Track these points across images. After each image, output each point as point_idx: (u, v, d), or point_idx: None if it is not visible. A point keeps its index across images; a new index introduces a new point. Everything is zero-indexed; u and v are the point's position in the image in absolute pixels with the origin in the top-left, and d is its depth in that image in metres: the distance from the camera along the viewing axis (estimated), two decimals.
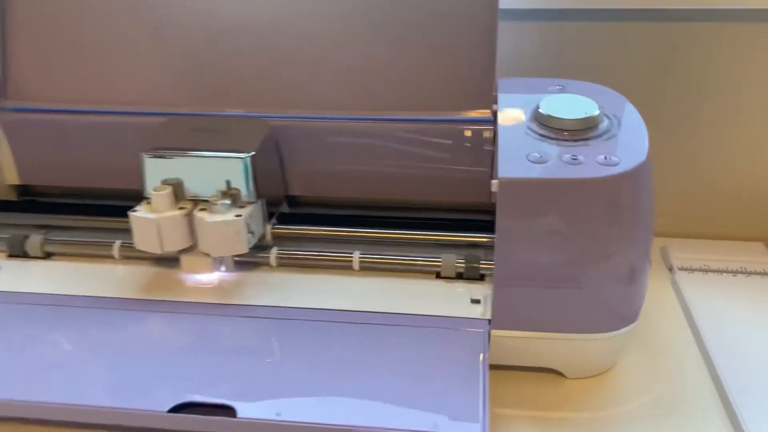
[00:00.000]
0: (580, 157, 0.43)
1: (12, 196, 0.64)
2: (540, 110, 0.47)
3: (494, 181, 0.43)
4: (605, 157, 0.43)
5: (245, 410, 0.39)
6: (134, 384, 0.42)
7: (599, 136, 0.46)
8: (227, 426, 0.39)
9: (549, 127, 0.46)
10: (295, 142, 0.57)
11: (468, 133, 0.55)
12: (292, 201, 0.60)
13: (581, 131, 0.46)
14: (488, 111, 0.54)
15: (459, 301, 0.49)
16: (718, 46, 0.61)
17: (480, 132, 0.55)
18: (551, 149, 0.44)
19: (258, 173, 0.52)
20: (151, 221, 0.50)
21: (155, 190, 0.51)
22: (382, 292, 0.51)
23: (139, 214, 0.50)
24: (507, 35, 0.62)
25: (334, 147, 0.57)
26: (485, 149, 0.55)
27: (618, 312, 0.45)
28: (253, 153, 0.51)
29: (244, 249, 0.51)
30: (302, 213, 0.59)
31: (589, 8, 0.60)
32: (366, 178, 0.58)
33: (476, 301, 0.49)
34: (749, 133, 0.63)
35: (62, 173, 0.62)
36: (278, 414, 0.39)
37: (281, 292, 0.51)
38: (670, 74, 0.62)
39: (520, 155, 0.44)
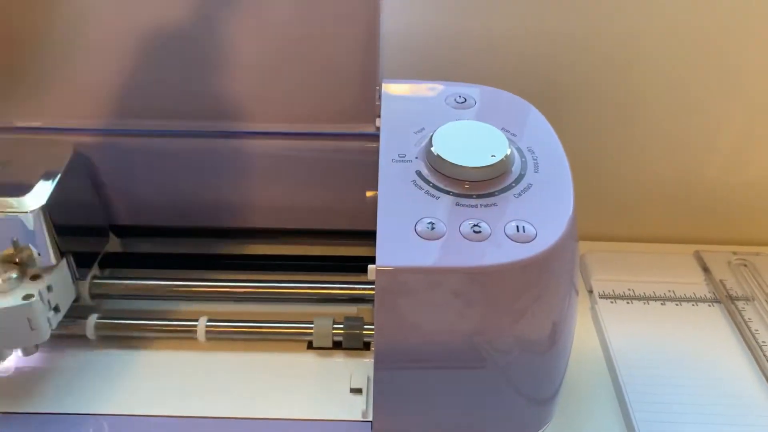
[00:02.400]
0: (485, 227, 0.32)
1: None
2: (433, 149, 0.35)
3: (371, 267, 0.31)
4: (518, 227, 0.32)
5: None
6: None
7: (510, 188, 0.34)
8: None
9: (445, 175, 0.34)
10: (117, 160, 0.43)
11: (354, 150, 0.43)
12: (122, 231, 0.46)
13: (487, 182, 0.34)
14: (372, 125, 0.42)
15: (336, 388, 0.38)
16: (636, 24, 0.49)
17: (361, 150, 0.43)
18: (447, 213, 0.33)
19: (59, 222, 0.38)
20: None
21: None
22: (235, 378, 0.39)
23: None
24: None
25: (172, 165, 0.44)
26: (370, 168, 0.43)
27: (533, 413, 0.36)
28: (44, 204, 0.37)
29: (41, 338, 0.37)
30: (135, 253, 0.46)
31: None
32: (217, 203, 0.45)
33: (357, 391, 0.38)
34: (679, 130, 0.54)
35: None
36: None
37: (97, 388, 0.38)
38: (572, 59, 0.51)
39: (405, 224, 0.32)
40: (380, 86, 0.41)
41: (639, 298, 0.50)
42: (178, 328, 0.41)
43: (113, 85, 0.42)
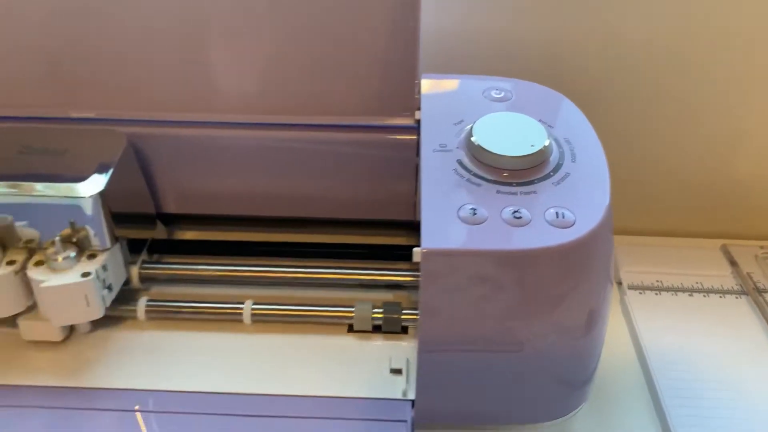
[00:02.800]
0: (525, 213, 0.33)
1: None
2: (474, 140, 0.36)
3: (417, 250, 0.33)
4: (557, 214, 0.33)
5: None
6: None
7: (548, 176, 0.35)
8: None
9: (485, 164, 0.36)
10: (166, 150, 0.45)
11: (386, 144, 0.44)
12: (168, 219, 0.48)
13: (526, 171, 0.35)
14: (411, 118, 0.44)
15: (376, 369, 0.40)
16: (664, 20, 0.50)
17: (401, 143, 0.44)
18: (488, 199, 0.34)
19: (114, 209, 0.40)
20: None
21: None
22: (278, 359, 0.41)
23: None
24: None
25: (218, 156, 0.45)
26: (409, 162, 0.44)
27: (568, 394, 0.37)
28: (101, 190, 0.39)
29: (96, 314, 0.39)
30: (181, 240, 0.47)
31: None
32: (267, 193, 0.47)
33: (397, 371, 0.40)
34: (707, 126, 0.55)
35: None
36: None
37: (148, 365, 0.40)
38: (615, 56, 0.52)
39: (448, 210, 0.34)
40: (419, 80, 0.43)
41: (667, 290, 0.51)
42: (225, 311, 0.42)
43: (164, 78, 0.44)
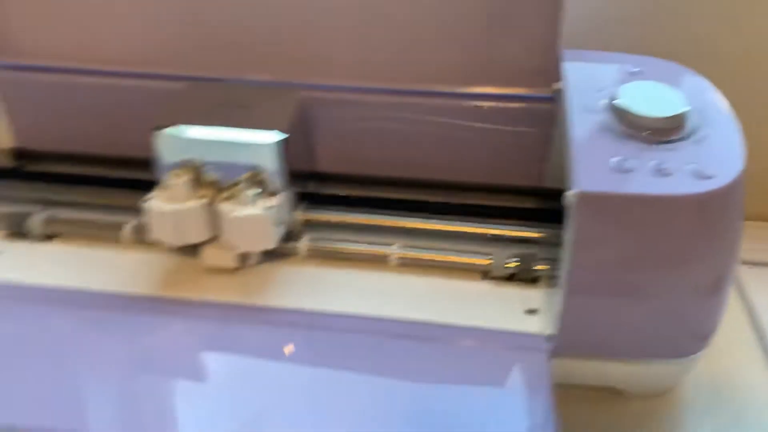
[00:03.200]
0: (668, 166, 0.37)
1: (7, 161, 0.58)
2: (618, 102, 0.41)
3: (569, 193, 0.37)
4: (697, 168, 0.37)
5: None
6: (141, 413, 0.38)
7: (687, 137, 0.39)
8: None
9: (630, 124, 0.40)
10: (329, 114, 0.51)
11: (521, 113, 0.49)
12: (320, 178, 0.54)
13: (668, 131, 0.40)
14: (548, 88, 0.48)
15: (511, 309, 0.44)
16: None
17: (536, 112, 0.49)
18: (633, 154, 0.38)
19: (289, 157, 0.46)
20: (168, 213, 0.44)
21: (173, 175, 0.45)
22: (423, 294, 0.46)
23: (155, 203, 0.45)
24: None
25: (373, 121, 0.51)
26: (541, 132, 0.49)
27: (693, 337, 0.41)
28: (285, 136, 0.45)
29: (272, 244, 0.45)
30: (334, 195, 0.53)
31: None
32: (406, 156, 0.52)
33: (532, 311, 0.44)
34: None
35: (63, 137, 0.55)
36: None
37: (310, 292, 0.46)
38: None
39: (599, 160, 0.38)
40: (560, 53, 0.47)
41: None
42: (374, 252, 0.48)
43: (332, 46, 0.50)
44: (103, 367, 0.41)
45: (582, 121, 0.41)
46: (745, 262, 0.54)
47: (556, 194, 0.50)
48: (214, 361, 0.42)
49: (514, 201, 0.53)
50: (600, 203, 0.36)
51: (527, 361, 0.40)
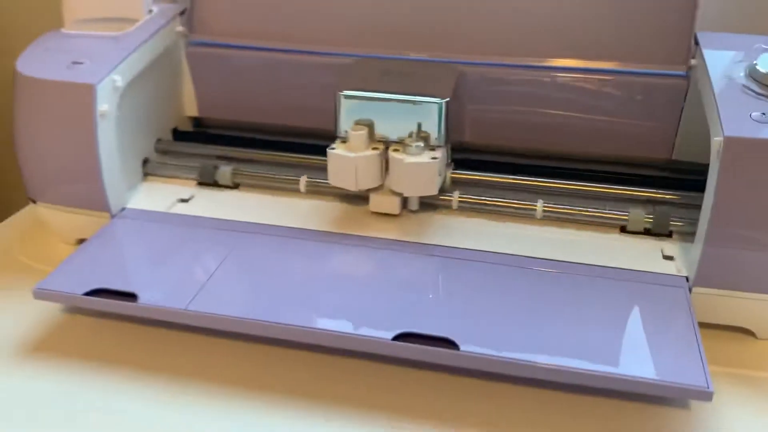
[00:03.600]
0: None
1: (188, 128, 0.67)
2: (758, 68, 0.46)
3: (717, 139, 0.43)
4: None
5: (465, 344, 0.41)
6: (346, 312, 0.44)
7: None
8: (448, 358, 0.41)
9: (767, 86, 0.45)
10: (476, 88, 0.58)
11: (656, 88, 0.55)
12: (461, 147, 0.61)
13: None
14: (683, 66, 0.54)
15: (649, 256, 0.50)
16: None
17: (671, 87, 0.54)
18: None
19: (448, 119, 0.53)
20: (350, 159, 0.52)
21: (353, 129, 0.52)
22: (568, 242, 0.52)
23: (338, 151, 0.52)
24: None
25: (517, 95, 0.58)
26: (674, 107, 0.55)
27: None
28: (448, 99, 0.52)
29: (434, 190, 0.52)
30: (475, 159, 0.60)
31: None
32: (544, 128, 0.58)
33: (669, 258, 0.49)
34: None
35: (240, 108, 0.64)
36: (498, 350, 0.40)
37: (462, 236, 0.52)
38: None
39: (741, 114, 0.43)
40: (694, 34, 0.53)
41: None
42: (522, 206, 0.54)
43: (482, 28, 0.57)
44: (293, 278, 0.48)
45: (724, 86, 0.46)
46: None
47: (686, 166, 0.56)
48: (376, 277, 0.48)
49: (648, 171, 0.58)
50: (745, 147, 0.42)
51: (670, 294, 0.45)
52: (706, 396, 0.38)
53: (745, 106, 0.44)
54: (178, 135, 0.65)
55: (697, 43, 0.53)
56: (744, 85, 0.46)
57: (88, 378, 0.44)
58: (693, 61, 0.53)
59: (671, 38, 0.54)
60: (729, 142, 0.42)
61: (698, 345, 0.41)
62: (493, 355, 0.40)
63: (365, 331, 0.42)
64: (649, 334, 0.42)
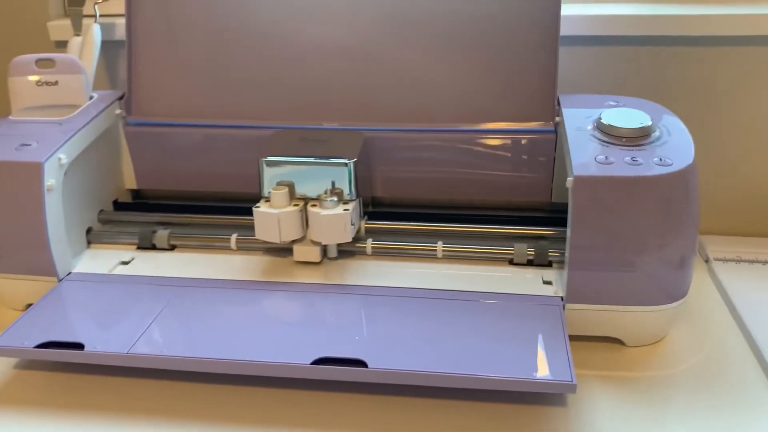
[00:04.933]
0: (639, 159, 0.52)
1: (128, 199, 0.74)
2: (602, 120, 0.57)
3: (569, 179, 0.52)
4: (660, 159, 0.52)
5: (373, 363, 0.48)
6: (269, 344, 0.51)
7: (653, 142, 0.55)
8: (358, 375, 0.48)
9: (610, 135, 0.56)
10: (380, 150, 0.67)
11: (532, 143, 0.65)
12: (374, 201, 0.69)
13: (638, 138, 0.55)
14: (551, 122, 0.64)
15: (532, 283, 0.58)
16: (743, 68, 0.70)
17: (543, 141, 0.64)
18: (614, 153, 0.54)
19: (356, 176, 0.61)
20: (273, 215, 0.59)
21: (274, 189, 0.60)
22: (465, 276, 0.60)
23: (262, 209, 0.60)
24: (563, 58, 0.71)
25: (414, 154, 0.67)
26: (547, 157, 0.65)
27: (671, 289, 0.54)
28: (355, 159, 0.61)
29: (348, 238, 0.60)
30: (385, 211, 0.68)
31: (635, 35, 0.70)
32: (440, 182, 0.67)
33: (548, 282, 0.58)
34: None
35: (174, 179, 0.71)
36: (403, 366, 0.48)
37: (376, 276, 0.60)
38: (706, 91, 0.71)
39: (588, 157, 0.53)
40: (557, 95, 0.64)
41: (746, 261, 0.67)
42: (424, 249, 0.62)
43: (383, 99, 0.66)
44: (225, 321, 0.54)
45: (576, 136, 0.57)
46: (717, 259, 0.68)
47: (564, 207, 0.66)
48: (299, 315, 0.55)
49: (533, 213, 0.68)
50: (591, 184, 0.51)
51: (547, 310, 0.54)
52: (571, 388, 0.46)
53: (592, 151, 0.54)
54: (119, 206, 0.72)
55: (559, 103, 0.63)
56: (592, 135, 0.56)
57: (43, 427, 0.49)
58: (558, 118, 0.63)
59: (539, 100, 0.64)
60: (577, 180, 0.52)
61: (566, 348, 0.49)
62: (396, 369, 0.47)
63: (287, 359, 0.49)
64: (527, 343, 0.50)
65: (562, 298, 0.55)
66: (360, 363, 0.48)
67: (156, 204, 0.72)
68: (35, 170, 0.57)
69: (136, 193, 0.75)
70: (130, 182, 0.73)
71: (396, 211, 0.68)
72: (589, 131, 0.57)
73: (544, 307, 0.55)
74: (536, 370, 0.47)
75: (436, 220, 0.66)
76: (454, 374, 0.47)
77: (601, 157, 0.53)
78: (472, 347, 0.50)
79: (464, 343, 0.50)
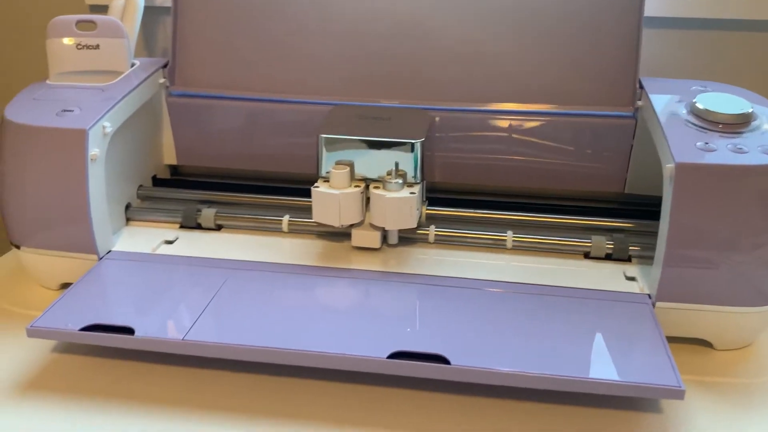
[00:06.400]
0: (743, 147, 0.48)
1: (166, 175, 0.69)
2: (697, 105, 0.52)
3: (669, 166, 0.48)
4: (764, 148, 0.48)
5: (456, 360, 0.44)
6: (339, 335, 0.46)
7: (753, 130, 0.50)
8: (441, 372, 0.43)
9: (706, 120, 0.51)
10: (442, 132, 0.62)
11: (609, 128, 0.60)
12: (432, 188, 0.64)
13: (737, 125, 0.51)
14: (630, 107, 0.60)
15: (613, 277, 0.54)
16: None
17: (622, 127, 0.60)
18: (714, 140, 0.49)
19: (423, 157, 0.57)
20: (333, 196, 0.55)
21: (335, 168, 0.56)
22: (538, 268, 0.55)
23: (322, 189, 0.55)
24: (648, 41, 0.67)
25: (478, 137, 0.62)
26: (625, 144, 0.60)
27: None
28: (423, 139, 0.56)
29: (413, 223, 0.55)
30: (444, 198, 0.64)
31: (722, 18, 0.66)
32: (503, 168, 0.63)
33: (631, 278, 0.54)
34: None
35: (217, 155, 0.67)
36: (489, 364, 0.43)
37: (439, 266, 0.56)
38: None
39: (688, 144, 0.49)
40: (638, 79, 0.59)
41: None
42: (493, 238, 0.58)
43: (447, 77, 0.62)
44: (285, 308, 0.50)
45: (670, 121, 0.52)
46: None
47: (637, 199, 0.62)
48: (364, 305, 0.51)
49: (602, 204, 0.64)
50: (692, 171, 0.47)
51: (636, 309, 0.50)
52: (679, 394, 0.42)
53: (690, 137, 0.50)
54: (158, 182, 0.67)
55: (641, 87, 0.59)
56: (687, 120, 0.52)
57: (85, 414, 0.45)
58: (639, 103, 0.59)
59: (619, 84, 0.60)
60: (680, 168, 0.47)
61: (666, 351, 0.45)
62: (483, 368, 0.43)
63: (361, 351, 0.44)
64: (621, 344, 0.46)
65: (649, 296, 0.51)
66: (440, 359, 0.44)
67: (198, 181, 0.68)
68: (79, 138, 0.52)
69: (173, 169, 0.71)
70: (170, 157, 0.68)
71: (458, 198, 0.64)
72: (684, 117, 0.53)
73: (631, 305, 0.50)
74: (638, 373, 0.43)
75: (497, 208, 0.62)
76: (550, 376, 0.42)
77: (701, 144, 0.49)
78: (561, 346, 0.45)
79: (551, 341, 0.46)
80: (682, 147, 0.49)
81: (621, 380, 0.42)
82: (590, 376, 0.42)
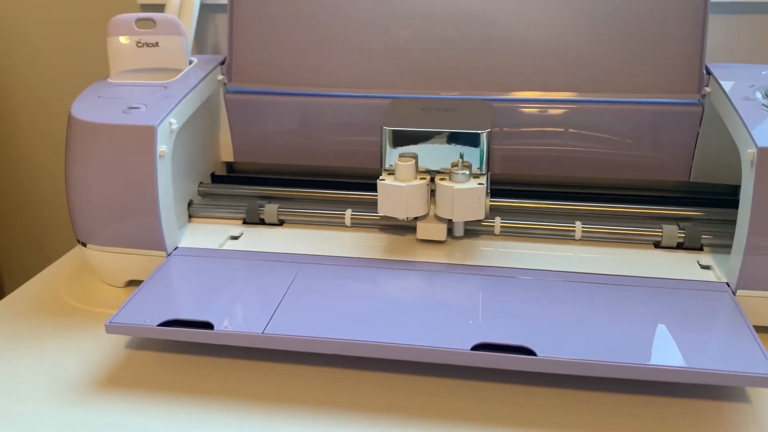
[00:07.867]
0: None
1: (222, 172, 0.69)
2: None
3: (750, 151, 0.47)
4: None
5: (543, 351, 0.43)
6: (418, 327, 0.46)
7: None
8: (527, 364, 0.43)
9: None
10: (504, 122, 0.62)
11: (675, 115, 0.59)
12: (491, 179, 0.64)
13: None
14: (697, 94, 0.59)
15: (687, 266, 0.53)
16: None
17: (688, 114, 0.59)
18: None
19: (488, 147, 0.56)
20: (400, 189, 0.54)
21: (400, 160, 0.55)
22: (609, 259, 0.55)
23: (388, 182, 0.55)
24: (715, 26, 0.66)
25: (540, 127, 0.62)
26: (691, 131, 0.59)
27: None
28: (489, 129, 0.56)
29: (481, 215, 0.55)
30: (505, 189, 0.63)
31: None
32: (570, 158, 0.62)
33: (706, 267, 0.53)
34: None
35: (275, 151, 0.67)
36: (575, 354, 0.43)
37: (507, 258, 0.55)
38: None
39: (767, 128, 0.48)
40: (705, 66, 0.58)
41: None
42: (560, 229, 0.57)
43: (509, 67, 0.61)
44: (360, 301, 0.49)
45: (746, 107, 0.51)
46: None
47: (703, 187, 0.61)
48: (437, 297, 0.50)
49: (667, 193, 0.63)
50: None
51: (717, 299, 0.49)
52: None
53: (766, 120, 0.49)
54: (217, 179, 0.67)
55: (709, 72, 0.58)
56: (763, 104, 0.51)
57: (167, 408, 0.45)
58: (707, 89, 0.58)
59: (685, 71, 0.59)
60: (762, 152, 0.46)
61: (755, 338, 0.44)
62: (571, 359, 0.42)
63: (443, 344, 0.44)
64: (708, 333, 0.45)
65: (728, 284, 0.50)
66: (525, 350, 0.43)
67: (256, 178, 0.68)
68: (148, 134, 0.53)
69: (229, 167, 0.71)
70: (227, 154, 0.68)
71: (520, 190, 0.63)
72: (759, 101, 0.52)
73: (710, 294, 0.49)
74: (728, 361, 0.42)
75: (561, 198, 0.61)
76: (642, 366, 0.41)
77: None
78: (646, 336, 0.45)
79: (635, 331, 0.45)
80: (764, 131, 0.48)
81: (712, 368, 0.41)
82: (680, 365, 0.41)
